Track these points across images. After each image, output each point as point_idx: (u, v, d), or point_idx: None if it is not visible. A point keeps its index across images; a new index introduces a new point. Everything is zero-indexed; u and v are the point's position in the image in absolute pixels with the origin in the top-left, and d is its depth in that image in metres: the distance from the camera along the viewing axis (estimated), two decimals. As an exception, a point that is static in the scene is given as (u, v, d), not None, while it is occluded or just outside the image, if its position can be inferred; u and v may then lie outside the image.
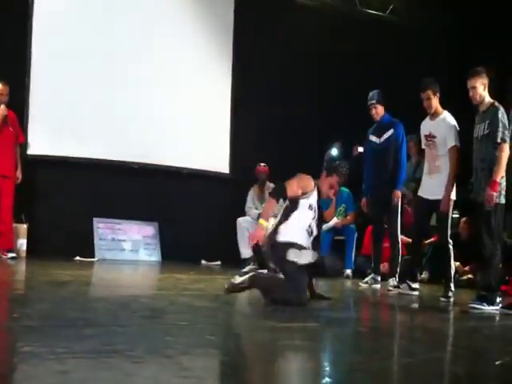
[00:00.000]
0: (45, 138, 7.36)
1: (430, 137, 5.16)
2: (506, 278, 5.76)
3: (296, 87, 8.59)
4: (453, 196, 5.03)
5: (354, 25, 8.92)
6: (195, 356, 2.22)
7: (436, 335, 3.30)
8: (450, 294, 4.95)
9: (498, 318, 4.13)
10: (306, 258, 3.82)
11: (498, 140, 4.31)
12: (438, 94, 5.15)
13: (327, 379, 2.05)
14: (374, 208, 5.94)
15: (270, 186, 7.95)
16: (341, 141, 6.21)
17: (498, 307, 4.33)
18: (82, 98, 7.47)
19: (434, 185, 5.07)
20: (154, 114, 7.93)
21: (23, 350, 2.04)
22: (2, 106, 6.42)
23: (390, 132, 5.80)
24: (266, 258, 4.20)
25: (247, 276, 3.77)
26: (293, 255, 3.79)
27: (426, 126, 5.24)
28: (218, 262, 8.04)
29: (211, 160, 8.35)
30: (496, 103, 4.45)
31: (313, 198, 4.02)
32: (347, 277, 7.05)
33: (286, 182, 3.97)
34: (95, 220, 7.59)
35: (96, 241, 7.47)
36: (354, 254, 7.35)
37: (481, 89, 4.48)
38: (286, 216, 3.99)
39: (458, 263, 6.39)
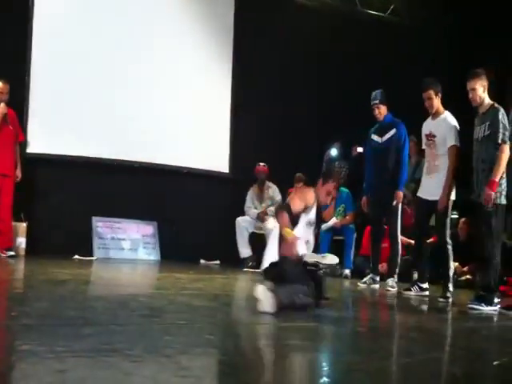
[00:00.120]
0: (44, 137, 7.34)
1: (431, 136, 5.17)
2: (505, 278, 5.77)
3: (296, 87, 8.58)
4: (452, 196, 5.04)
5: (355, 25, 8.90)
6: (194, 355, 2.23)
7: (434, 335, 3.31)
8: (449, 294, 4.96)
9: (496, 319, 4.13)
10: (327, 259, 3.83)
11: (499, 141, 4.33)
12: (439, 94, 5.16)
13: (326, 379, 2.05)
14: (373, 208, 5.93)
15: (270, 185, 7.97)
16: (340, 141, 6.20)
17: (496, 308, 4.34)
18: (81, 97, 7.46)
19: (433, 185, 5.07)
20: (154, 114, 7.92)
21: (22, 348, 2.04)
22: (2, 105, 6.41)
23: (393, 132, 5.79)
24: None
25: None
26: (310, 258, 3.78)
27: (427, 126, 5.25)
28: (217, 262, 8.03)
29: (211, 160, 8.34)
30: (496, 104, 4.46)
31: (312, 214, 3.98)
32: (346, 277, 7.06)
33: (289, 201, 3.94)
34: (94, 219, 7.58)
35: (95, 239, 7.46)
36: (352, 254, 7.35)
37: (480, 90, 4.48)
38: None
39: (456, 264, 6.39)
